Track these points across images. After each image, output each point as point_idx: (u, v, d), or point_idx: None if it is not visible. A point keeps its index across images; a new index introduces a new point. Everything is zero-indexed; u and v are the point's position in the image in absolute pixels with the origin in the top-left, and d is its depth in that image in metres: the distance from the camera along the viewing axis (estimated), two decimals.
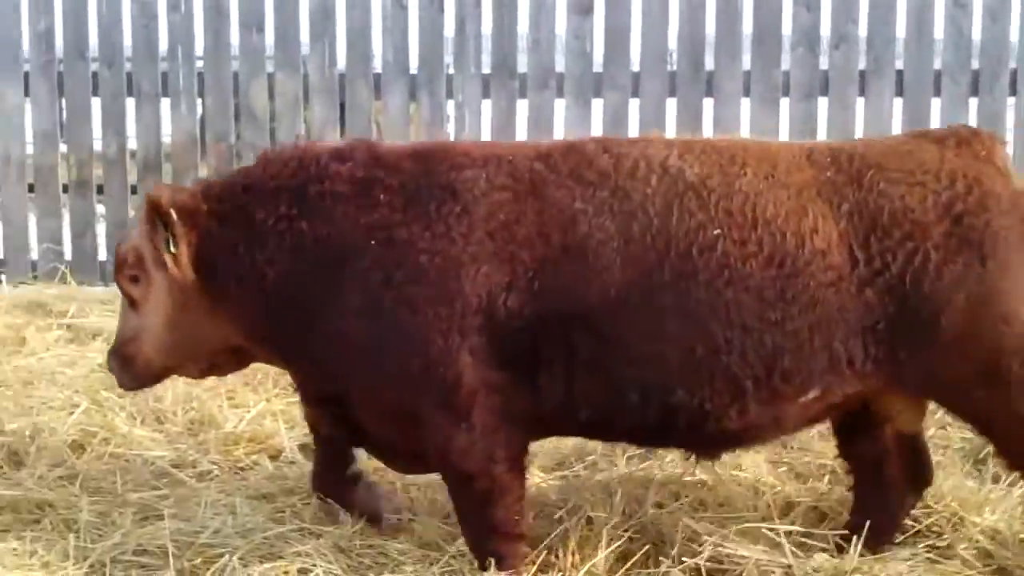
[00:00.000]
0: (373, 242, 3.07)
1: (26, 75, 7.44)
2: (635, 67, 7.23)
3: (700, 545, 3.31)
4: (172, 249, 3.18)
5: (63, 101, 7.57)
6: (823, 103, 7.06)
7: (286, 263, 3.16)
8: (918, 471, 3.48)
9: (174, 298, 3.28)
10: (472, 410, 3.06)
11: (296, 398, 3.90)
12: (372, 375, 3.14)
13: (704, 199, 3.07)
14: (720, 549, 3.29)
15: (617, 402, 3.08)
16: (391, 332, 3.06)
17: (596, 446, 4.19)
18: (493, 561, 3.13)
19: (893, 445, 3.42)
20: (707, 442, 3.27)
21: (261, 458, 4.32)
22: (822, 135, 7.02)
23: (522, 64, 7.33)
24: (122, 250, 3.38)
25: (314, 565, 3.21)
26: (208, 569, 3.22)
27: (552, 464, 4.21)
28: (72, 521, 3.61)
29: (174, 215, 3.18)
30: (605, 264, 3.03)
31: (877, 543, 3.36)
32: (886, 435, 3.41)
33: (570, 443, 4.22)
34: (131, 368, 3.45)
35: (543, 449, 4.12)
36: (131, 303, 3.39)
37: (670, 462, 4.00)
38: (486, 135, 7.32)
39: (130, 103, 7.48)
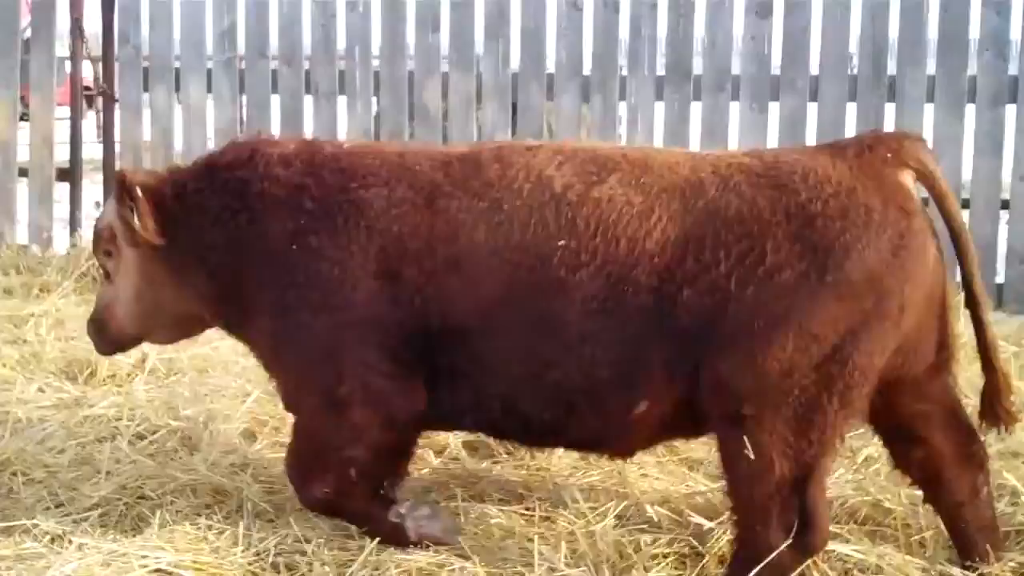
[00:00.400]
0: (294, 246, 3.27)
1: (209, 72, 7.69)
2: (814, 71, 7.16)
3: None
4: (138, 224, 3.39)
5: (244, 98, 7.81)
6: (1011, 110, 6.92)
7: (226, 252, 3.39)
8: (968, 450, 3.26)
9: (141, 271, 3.53)
10: (346, 412, 3.26)
11: None
12: (279, 366, 3.43)
13: (559, 209, 3.09)
14: None
15: (488, 411, 3.25)
16: (292, 330, 3.29)
17: None
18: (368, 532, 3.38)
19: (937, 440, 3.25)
20: (572, 446, 3.50)
21: (426, 453, 4.33)
22: (1009, 143, 6.90)
23: (697, 66, 7.34)
24: (98, 226, 3.64)
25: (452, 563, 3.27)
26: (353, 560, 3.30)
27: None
28: (242, 508, 3.70)
29: (139, 192, 3.39)
30: (475, 277, 3.13)
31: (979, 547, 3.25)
32: (922, 434, 3.25)
33: None
34: (105, 334, 3.73)
35: None
36: (105, 275, 3.69)
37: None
38: (658, 138, 7.36)
39: (308, 100, 7.67)
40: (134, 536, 3.31)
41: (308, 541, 3.39)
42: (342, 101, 7.63)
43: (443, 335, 3.19)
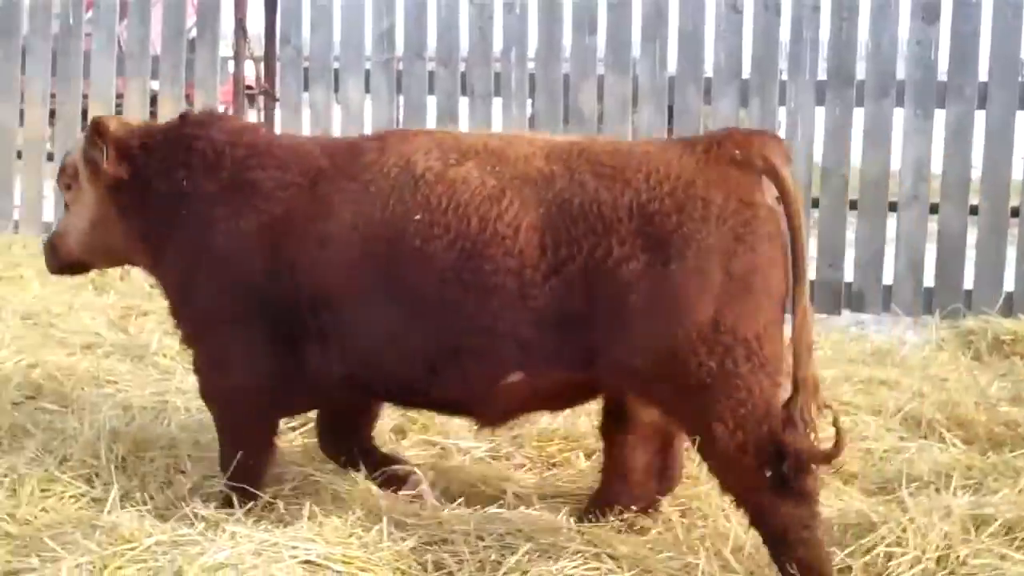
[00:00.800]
0: (203, 209, 3.68)
1: (367, 72, 7.84)
2: (983, 77, 7.04)
3: None
4: (105, 162, 3.82)
5: (400, 98, 7.93)
6: None
7: (161, 201, 3.78)
8: (663, 470, 3.71)
9: (94, 206, 3.94)
10: (228, 371, 3.71)
11: None
12: (177, 315, 3.87)
13: (416, 189, 3.41)
14: None
15: (357, 369, 3.56)
16: (190, 287, 3.75)
17: (924, 470, 4.20)
18: (225, 496, 3.72)
19: (645, 436, 3.65)
20: (437, 409, 3.89)
21: (574, 456, 4.47)
22: None
23: (860, 71, 7.26)
24: (65, 161, 4.10)
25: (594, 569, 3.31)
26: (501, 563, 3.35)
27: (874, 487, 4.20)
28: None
29: (109, 137, 3.83)
30: (343, 252, 3.48)
31: (602, 514, 3.64)
32: (640, 425, 3.62)
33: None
34: (56, 255, 4.17)
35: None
36: (65, 205, 4.15)
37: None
38: (818, 144, 7.31)
39: (463, 102, 7.78)
40: (285, 527, 3.40)
41: (451, 543, 3.45)
42: (497, 103, 7.72)
43: (315, 302, 3.54)
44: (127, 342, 5.78)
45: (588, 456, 4.41)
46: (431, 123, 7.77)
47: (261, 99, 8.05)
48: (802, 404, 3.23)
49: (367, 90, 7.87)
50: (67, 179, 4.05)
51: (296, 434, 4.49)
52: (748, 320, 3.22)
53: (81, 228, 4.04)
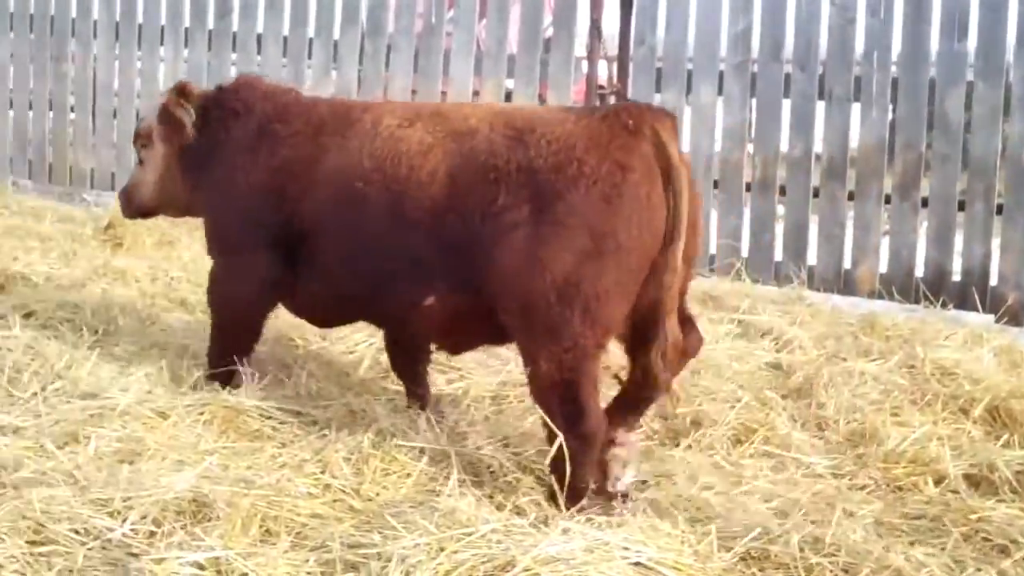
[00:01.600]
0: (233, 154, 4.61)
1: (721, 74, 7.90)
2: None
3: None
4: (189, 119, 4.73)
5: (754, 101, 7.95)
6: None
7: (207, 152, 4.72)
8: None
9: (165, 163, 4.86)
10: (237, 273, 4.65)
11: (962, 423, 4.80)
12: (208, 235, 4.86)
13: (373, 143, 4.21)
14: None
15: (328, 287, 4.46)
16: (218, 212, 4.75)
17: None
18: (209, 375, 4.74)
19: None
20: (389, 324, 4.66)
21: (922, 481, 4.36)
22: None
23: None
24: (142, 124, 4.98)
25: None
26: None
27: None
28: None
29: (193, 99, 4.76)
30: (326, 191, 4.33)
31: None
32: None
33: None
34: (131, 203, 5.09)
35: None
36: (140, 162, 5.02)
37: None
38: None
39: (820, 106, 7.71)
40: (617, 527, 3.48)
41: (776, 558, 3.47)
42: (856, 107, 7.61)
43: (304, 231, 4.41)
44: None
45: (938, 483, 4.34)
46: (784, 127, 7.76)
47: (613, 99, 8.24)
48: (657, 353, 3.89)
49: (720, 92, 7.91)
50: (143, 139, 4.94)
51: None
52: (595, 279, 3.77)
53: (151, 180, 4.94)
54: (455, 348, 4.51)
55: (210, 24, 9.06)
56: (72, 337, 5.22)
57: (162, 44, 9.25)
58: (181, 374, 4.82)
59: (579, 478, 3.83)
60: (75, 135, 9.58)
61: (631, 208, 3.76)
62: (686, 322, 4.11)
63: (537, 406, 3.95)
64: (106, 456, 4.04)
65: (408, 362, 4.82)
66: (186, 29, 9.13)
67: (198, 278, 6.41)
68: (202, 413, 4.45)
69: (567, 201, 3.78)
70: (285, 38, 8.80)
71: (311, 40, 8.73)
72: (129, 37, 9.33)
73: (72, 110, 9.64)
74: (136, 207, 5.11)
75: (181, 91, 4.77)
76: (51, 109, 9.71)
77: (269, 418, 4.50)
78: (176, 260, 7.10)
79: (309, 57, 8.74)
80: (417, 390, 4.76)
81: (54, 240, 7.44)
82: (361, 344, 5.38)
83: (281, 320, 5.17)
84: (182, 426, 4.33)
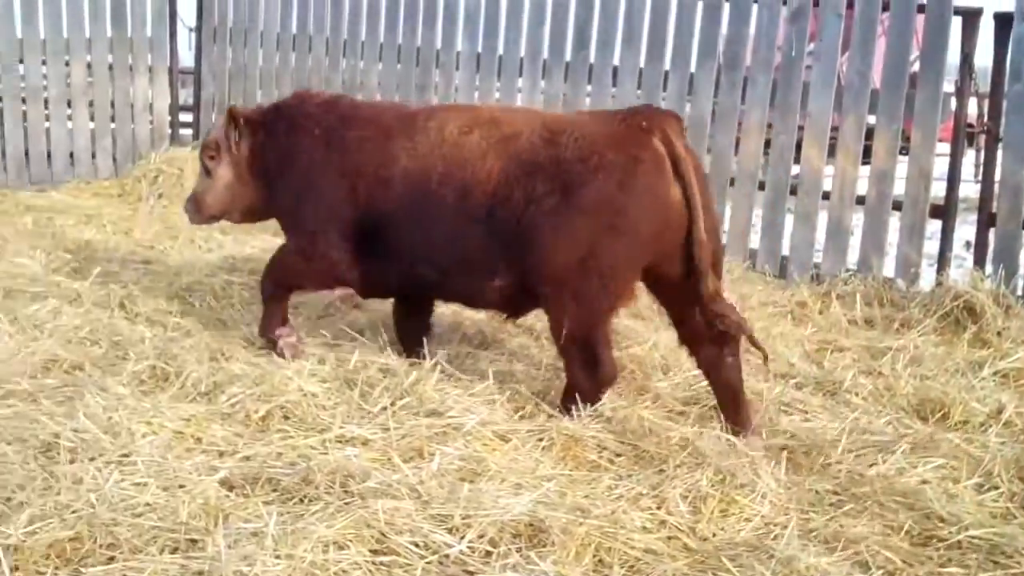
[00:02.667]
0: (305, 157, 5.43)
1: None
2: None
3: None
4: (237, 139, 5.64)
5: None
6: None
7: (277, 158, 5.59)
8: (714, 332, 4.84)
9: (232, 171, 5.68)
10: (308, 259, 5.50)
11: None
12: (286, 228, 5.73)
13: (441, 149, 5.01)
14: None
15: (403, 270, 5.26)
16: (296, 208, 5.51)
17: None
18: (265, 300, 5.75)
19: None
20: (462, 301, 5.53)
21: None
22: None
23: None
24: (208, 139, 5.80)
25: None
26: None
27: None
28: None
29: (241, 121, 5.64)
30: (398, 187, 5.12)
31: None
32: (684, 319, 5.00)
33: None
34: (198, 210, 5.82)
35: None
36: (206, 172, 5.76)
37: None
38: None
39: None
40: None
41: None
42: None
43: (379, 225, 5.25)
44: (821, 375, 5.89)
45: None
46: None
47: (982, 138, 7.80)
48: (711, 292, 4.72)
49: None
50: (211, 151, 5.71)
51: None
52: (611, 253, 4.69)
53: (219, 188, 5.72)
54: (516, 315, 5.41)
55: (567, 56, 9.33)
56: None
57: (520, 75, 9.61)
58: (521, 400, 4.98)
59: (579, 402, 4.87)
60: None
61: (642, 193, 4.66)
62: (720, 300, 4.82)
63: (561, 357, 4.97)
64: (448, 473, 4.25)
65: (415, 335, 5.69)
66: (544, 61, 9.46)
67: None
68: (541, 439, 4.60)
69: (590, 187, 4.68)
70: (641, 70, 8.93)
71: (667, 73, 8.81)
72: (489, 68, 9.78)
73: None
74: (205, 213, 5.83)
75: (231, 114, 5.65)
76: None
77: (606, 448, 4.58)
78: None
79: (664, 89, 8.83)
80: (419, 352, 5.49)
81: None
82: (699, 384, 5.37)
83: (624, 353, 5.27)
84: (522, 450, 4.49)
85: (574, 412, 4.84)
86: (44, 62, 10.76)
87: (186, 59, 12.33)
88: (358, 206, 5.27)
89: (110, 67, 11.18)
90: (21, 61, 10.62)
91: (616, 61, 9.08)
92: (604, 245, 4.65)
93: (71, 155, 11.07)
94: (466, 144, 4.99)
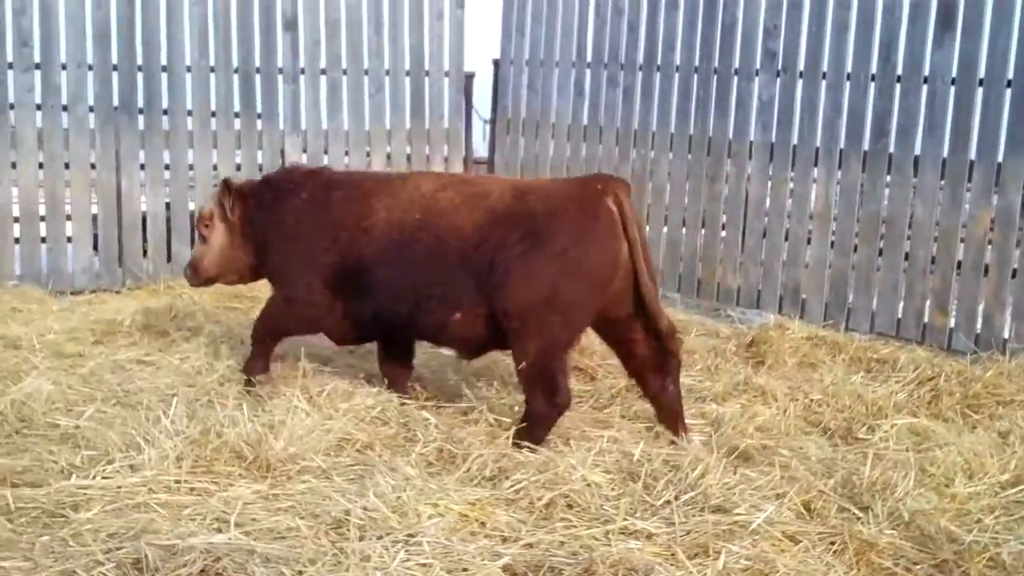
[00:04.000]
0: (292, 218, 6.50)
1: None
2: None
3: None
4: (230, 210, 6.63)
5: None
6: None
7: (268, 222, 6.59)
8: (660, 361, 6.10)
9: (226, 238, 6.65)
10: (292, 306, 6.56)
11: None
12: (274, 280, 6.74)
13: (418, 202, 6.15)
14: None
15: (379, 310, 6.29)
16: (282, 262, 6.57)
17: None
18: (254, 343, 6.76)
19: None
20: (424, 335, 6.48)
21: None
22: None
23: None
24: (203, 210, 6.80)
25: None
26: None
27: None
28: None
29: (232, 193, 6.64)
30: (375, 238, 6.20)
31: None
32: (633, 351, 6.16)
33: None
34: (196, 273, 6.80)
35: None
36: (202, 239, 6.74)
37: None
38: None
39: None
40: None
41: None
42: None
43: (357, 270, 6.21)
44: None
45: None
46: None
47: None
48: (664, 331, 5.93)
49: None
50: (206, 221, 6.71)
51: None
52: (571, 293, 5.65)
53: (214, 253, 6.71)
54: (473, 354, 6.32)
55: (865, 146, 9.17)
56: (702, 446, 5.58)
57: (815, 165, 9.51)
58: (811, 501, 4.87)
59: (540, 436, 5.73)
60: (725, 252, 10.11)
61: (598, 244, 5.68)
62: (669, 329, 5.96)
63: (522, 385, 5.84)
64: (735, 573, 4.19)
65: (398, 373, 6.72)
66: (841, 151, 9.33)
67: (840, 403, 6.48)
68: (833, 542, 4.47)
69: (556, 237, 5.69)
70: (944, 160, 8.65)
71: (971, 163, 8.50)
72: (783, 158, 9.72)
73: (723, 228, 10.19)
74: (203, 276, 6.80)
75: (226, 185, 6.66)
76: (703, 226, 10.35)
77: (903, 556, 4.41)
78: (817, 382, 7.18)
79: (968, 180, 8.52)
80: (401, 391, 6.49)
81: (698, 354, 7.90)
82: (1004, 493, 5.08)
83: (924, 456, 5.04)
84: (812, 553, 4.39)
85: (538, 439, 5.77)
86: (347, 152, 11.48)
87: (480, 149, 12.92)
88: (339, 253, 6.23)
89: (408, 157, 11.82)
90: (326, 151, 11.34)
91: (918, 151, 8.83)
92: (565, 287, 5.65)
93: None
94: (441, 199, 6.04)
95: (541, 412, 5.70)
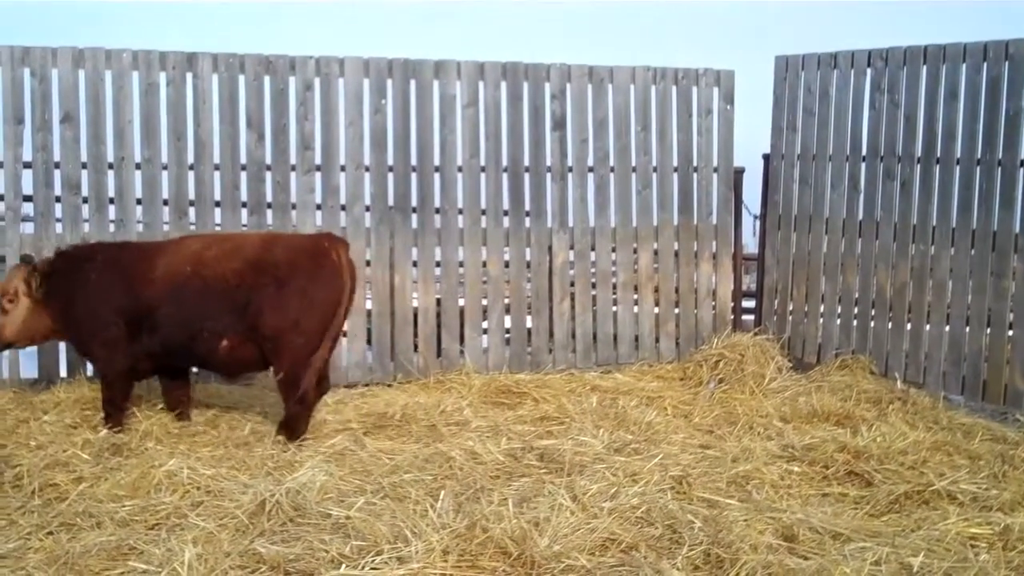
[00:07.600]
0: (88, 286, 8.37)
1: None
2: None
3: None
4: (36, 286, 8.36)
5: None
6: None
7: (67, 293, 8.31)
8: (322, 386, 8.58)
9: (28, 310, 8.39)
10: (103, 353, 8.41)
11: None
12: (79, 340, 8.63)
13: (189, 257, 8.22)
14: None
15: (164, 343, 8.27)
16: (83, 320, 8.42)
17: None
18: (105, 417, 8.49)
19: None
20: (198, 361, 8.65)
21: None
22: None
23: None
24: (4, 285, 8.38)
25: None
26: None
27: None
28: None
29: (36, 271, 8.44)
30: (160, 286, 8.18)
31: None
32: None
33: None
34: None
35: None
36: (3, 312, 8.34)
37: None
38: None
39: None
40: None
41: None
42: None
43: (147, 312, 8.17)
44: None
45: None
46: None
47: None
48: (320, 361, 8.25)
49: None
50: (8, 296, 8.34)
51: None
52: (310, 320, 8.11)
53: (16, 323, 8.37)
54: (236, 375, 8.82)
55: None
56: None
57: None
58: None
59: (300, 430, 8.15)
60: (1012, 352, 9.95)
61: (324, 286, 8.13)
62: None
63: (280, 391, 8.19)
64: None
65: (176, 398, 8.89)
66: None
67: None
68: None
69: (294, 280, 8.03)
70: None
71: None
72: None
73: (1010, 327, 10.04)
74: (3, 343, 8.44)
75: (27, 261, 8.52)
76: (988, 325, 10.23)
77: None
78: None
79: None
80: (179, 413, 8.81)
81: (984, 459, 7.82)
82: None
83: None
84: None
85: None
86: (613, 249, 11.96)
87: (751, 245, 13.17)
88: (134, 298, 8.16)
89: (676, 254, 12.19)
90: (592, 248, 11.88)
91: None
92: (305, 315, 8.06)
93: (636, 338, 12.11)
94: (207, 253, 8.16)
95: (296, 413, 8.12)
